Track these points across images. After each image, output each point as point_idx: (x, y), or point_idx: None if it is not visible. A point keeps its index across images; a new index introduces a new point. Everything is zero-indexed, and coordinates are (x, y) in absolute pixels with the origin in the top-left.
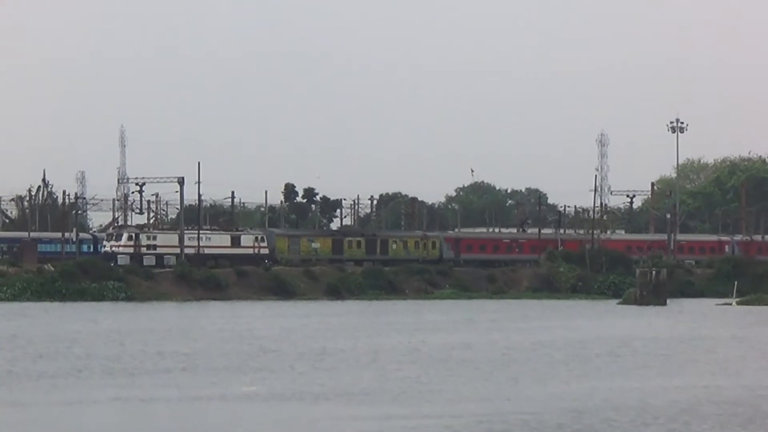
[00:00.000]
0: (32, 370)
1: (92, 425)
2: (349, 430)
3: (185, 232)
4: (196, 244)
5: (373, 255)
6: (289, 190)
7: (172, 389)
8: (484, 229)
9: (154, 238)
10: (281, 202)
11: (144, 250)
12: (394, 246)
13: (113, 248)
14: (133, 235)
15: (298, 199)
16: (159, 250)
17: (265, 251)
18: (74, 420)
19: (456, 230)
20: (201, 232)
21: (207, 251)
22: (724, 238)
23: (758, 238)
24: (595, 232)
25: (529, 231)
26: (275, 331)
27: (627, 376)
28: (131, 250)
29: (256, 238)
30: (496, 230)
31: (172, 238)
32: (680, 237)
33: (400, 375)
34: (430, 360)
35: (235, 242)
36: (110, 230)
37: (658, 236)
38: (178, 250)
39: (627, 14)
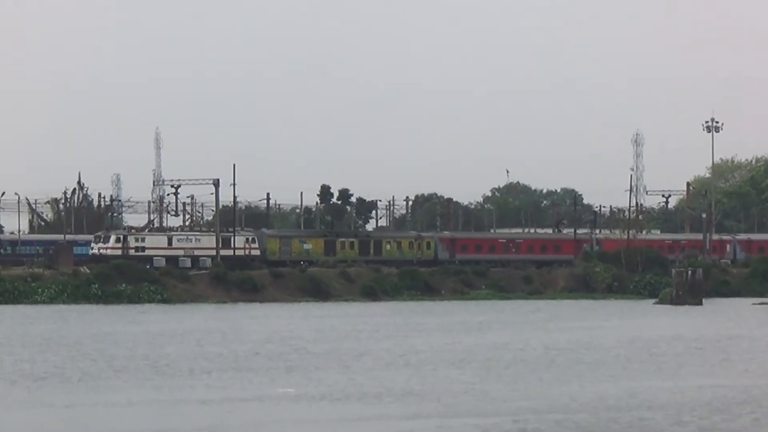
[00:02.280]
0: (76, 372)
1: (132, 425)
2: (386, 431)
3: (173, 233)
4: (186, 245)
5: (367, 256)
6: (325, 192)
7: (209, 390)
8: (519, 230)
9: (143, 240)
10: (316, 203)
11: (132, 252)
12: (388, 247)
13: (101, 250)
14: (121, 237)
15: (334, 200)
16: (147, 252)
17: (257, 252)
18: (113, 420)
19: (492, 230)
20: (190, 234)
21: (197, 253)
22: (726, 237)
23: None
24: (630, 232)
25: (565, 231)
26: (312, 332)
27: (663, 375)
28: (119, 252)
29: (247, 239)
30: (532, 230)
31: (161, 240)
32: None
33: (438, 375)
34: (469, 360)
35: (226, 244)
36: (98, 233)
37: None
38: (166, 252)
39: (662, 15)
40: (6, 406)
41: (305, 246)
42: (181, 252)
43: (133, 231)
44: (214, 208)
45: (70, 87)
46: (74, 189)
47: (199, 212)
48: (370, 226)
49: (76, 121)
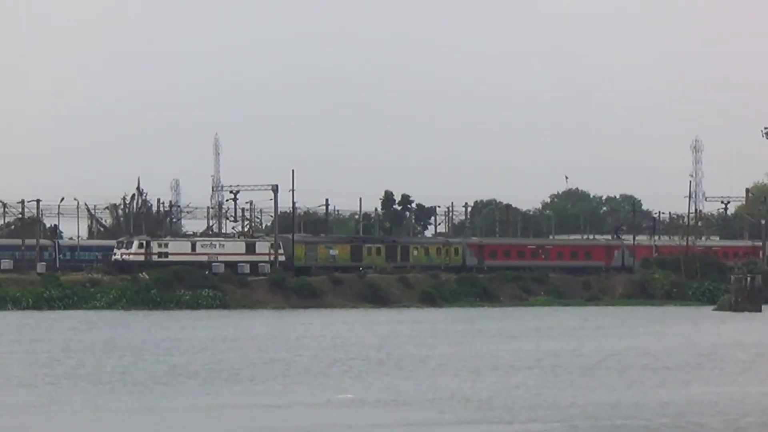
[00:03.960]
0: (140, 377)
1: (193, 429)
2: None
3: (197, 239)
4: (210, 251)
5: (393, 262)
6: (388, 198)
7: (268, 396)
8: (578, 236)
9: (166, 245)
10: (376, 209)
11: (155, 257)
12: (415, 252)
13: (123, 256)
14: (144, 242)
15: (395, 206)
16: (171, 258)
17: (282, 258)
18: (176, 425)
19: (551, 237)
20: (214, 239)
21: (221, 258)
22: (759, 243)
23: None
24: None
25: (623, 237)
26: (371, 338)
27: (723, 381)
28: (142, 258)
29: (272, 244)
30: (590, 237)
31: (184, 246)
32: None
33: (498, 381)
34: (530, 366)
35: (250, 249)
36: (121, 238)
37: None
38: (189, 258)
39: (721, 20)
40: (73, 411)
41: (331, 252)
42: (204, 258)
43: (157, 236)
44: (273, 214)
45: (130, 93)
46: (133, 195)
47: (257, 218)
48: (429, 232)
49: (136, 127)
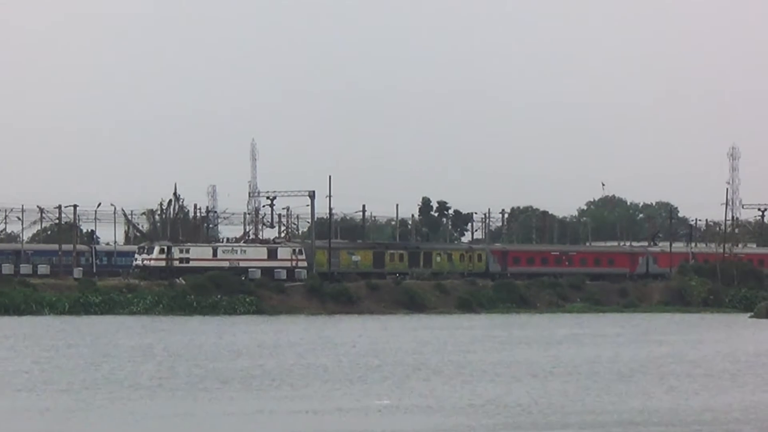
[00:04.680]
0: (180, 382)
1: None
2: None
3: (218, 245)
4: (231, 257)
5: (416, 268)
6: (426, 204)
7: (307, 401)
8: (615, 243)
9: (187, 251)
10: (412, 215)
11: (177, 263)
12: (438, 259)
13: (144, 261)
14: (165, 248)
15: (432, 212)
16: (192, 264)
17: (303, 264)
18: (214, 431)
19: (588, 244)
20: (236, 245)
21: (242, 264)
22: None
23: None
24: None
25: (660, 244)
26: (409, 344)
27: (761, 389)
28: (163, 263)
29: (294, 250)
30: (627, 244)
31: (206, 251)
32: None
33: (536, 387)
34: (569, 372)
35: (272, 255)
36: (142, 244)
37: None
38: (211, 264)
39: (759, 27)
40: (112, 416)
41: (354, 258)
42: (226, 263)
43: (180, 241)
44: (309, 220)
45: (167, 99)
46: (170, 200)
47: (294, 224)
48: (466, 239)
49: (173, 133)
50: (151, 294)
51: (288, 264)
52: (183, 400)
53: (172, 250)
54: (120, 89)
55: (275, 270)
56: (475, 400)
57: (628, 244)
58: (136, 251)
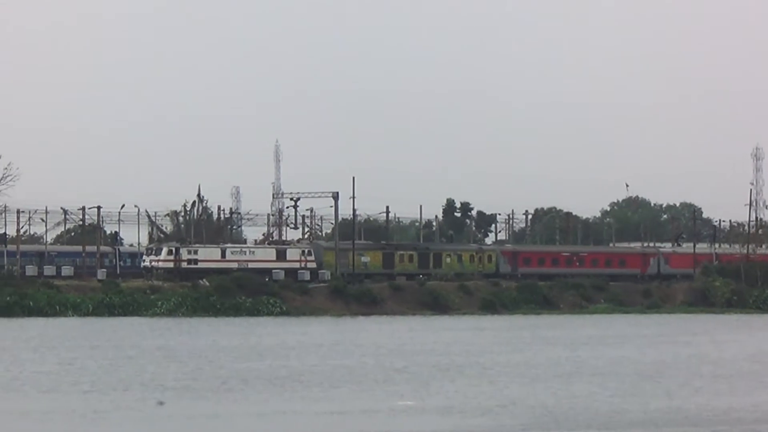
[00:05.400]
0: (204, 383)
1: None
2: None
3: (227, 246)
4: (240, 258)
5: (426, 269)
6: (450, 205)
7: (332, 402)
8: (638, 244)
9: (195, 252)
10: (436, 216)
11: (185, 264)
12: (448, 260)
13: (152, 263)
14: (173, 249)
15: (456, 213)
16: (200, 265)
17: (312, 265)
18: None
19: (612, 245)
20: (244, 246)
21: (251, 266)
22: None
23: None
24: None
25: (684, 245)
26: (433, 344)
27: None
28: (171, 264)
29: (303, 251)
30: (651, 245)
31: (214, 253)
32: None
33: (560, 388)
34: (594, 373)
35: (281, 256)
36: (150, 245)
37: None
38: (219, 265)
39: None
40: (137, 417)
41: (363, 259)
42: (234, 265)
43: (186, 242)
44: (333, 221)
45: (191, 100)
46: (194, 201)
47: (318, 225)
48: (489, 240)
49: (197, 134)
50: (175, 295)
51: (297, 265)
52: (208, 401)
53: (180, 251)
54: (146, 91)
55: (286, 271)
56: (498, 401)
57: (647, 245)
58: (145, 252)
